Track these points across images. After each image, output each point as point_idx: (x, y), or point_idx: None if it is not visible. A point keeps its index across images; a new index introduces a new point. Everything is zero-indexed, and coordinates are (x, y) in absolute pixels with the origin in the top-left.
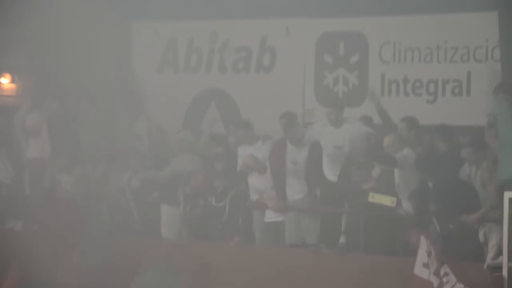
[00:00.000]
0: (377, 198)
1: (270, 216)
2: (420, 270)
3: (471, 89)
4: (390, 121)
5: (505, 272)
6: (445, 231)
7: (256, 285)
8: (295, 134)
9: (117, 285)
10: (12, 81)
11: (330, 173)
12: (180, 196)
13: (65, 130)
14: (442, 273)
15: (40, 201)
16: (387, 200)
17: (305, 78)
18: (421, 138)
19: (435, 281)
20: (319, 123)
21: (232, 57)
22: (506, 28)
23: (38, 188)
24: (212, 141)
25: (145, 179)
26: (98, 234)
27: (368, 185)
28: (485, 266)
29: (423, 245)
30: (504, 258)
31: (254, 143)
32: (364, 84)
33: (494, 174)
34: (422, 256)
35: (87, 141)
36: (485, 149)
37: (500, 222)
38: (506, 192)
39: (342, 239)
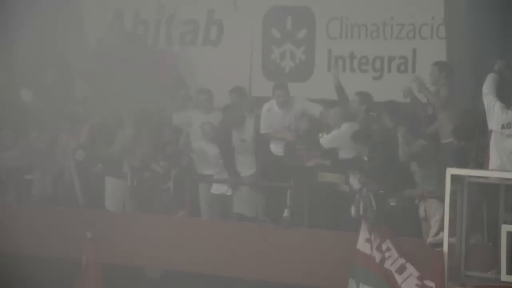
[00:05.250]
0: (326, 176)
1: (218, 188)
2: (363, 245)
3: (416, 66)
4: (345, 96)
5: (445, 248)
6: (386, 207)
7: (200, 258)
8: (239, 111)
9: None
10: None
11: (277, 148)
12: (126, 168)
13: (11, 100)
14: (384, 248)
15: None
16: (336, 178)
17: (252, 52)
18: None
19: (377, 256)
20: (265, 107)
21: (179, 30)
22: (451, 6)
23: None
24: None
25: (94, 153)
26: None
27: (314, 161)
28: (427, 242)
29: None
30: (445, 234)
31: (210, 112)
32: (311, 60)
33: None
34: (365, 231)
35: (35, 108)
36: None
37: (441, 198)
38: (448, 169)
39: (286, 213)
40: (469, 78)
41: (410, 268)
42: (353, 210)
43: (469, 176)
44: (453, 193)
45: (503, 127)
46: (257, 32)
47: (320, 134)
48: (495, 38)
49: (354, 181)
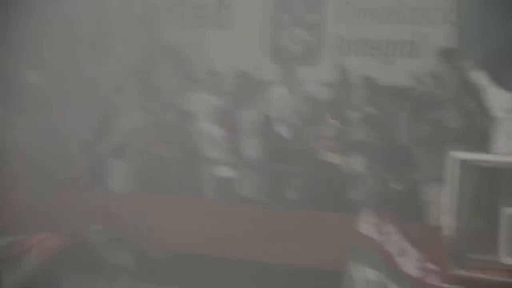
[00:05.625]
0: (328, 156)
1: (222, 170)
2: (365, 228)
3: (427, 51)
4: (347, 83)
5: (447, 231)
6: (389, 190)
7: (204, 240)
8: (248, 93)
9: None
10: None
11: (283, 129)
12: (130, 150)
13: (17, 81)
14: (386, 231)
15: None
16: (338, 159)
17: (262, 36)
18: (375, 98)
19: (379, 238)
20: (273, 92)
21: (189, 13)
22: None
23: None
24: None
25: (103, 150)
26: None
27: (321, 142)
28: (429, 225)
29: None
30: (446, 217)
31: (218, 95)
32: (321, 44)
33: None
34: (367, 214)
35: (41, 90)
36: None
37: (444, 182)
38: (451, 152)
39: (290, 195)
40: (479, 64)
41: (412, 251)
42: (354, 194)
43: (472, 160)
44: (455, 176)
45: (509, 111)
46: (267, 16)
47: (331, 120)
48: (508, 25)
49: (357, 164)
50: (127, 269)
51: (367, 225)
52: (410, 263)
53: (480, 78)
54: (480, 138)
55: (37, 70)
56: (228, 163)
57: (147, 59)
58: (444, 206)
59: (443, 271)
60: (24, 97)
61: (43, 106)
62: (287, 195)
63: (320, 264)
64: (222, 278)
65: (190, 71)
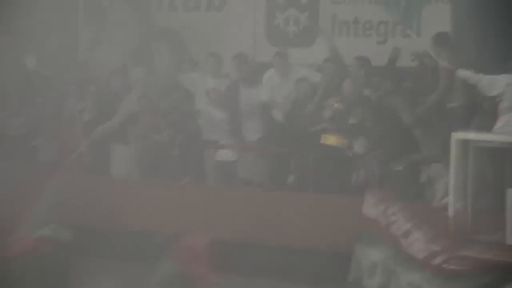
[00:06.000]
0: (329, 139)
1: (223, 154)
2: (368, 210)
3: (421, 31)
4: (340, 63)
5: (451, 212)
6: (391, 172)
7: (206, 224)
8: (247, 75)
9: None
10: None
11: (279, 114)
12: (131, 135)
13: (16, 66)
14: (390, 213)
15: None
16: (338, 141)
17: (256, 18)
18: (370, 79)
19: (383, 220)
20: (266, 76)
21: None
22: None
23: None
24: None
25: (100, 133)
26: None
27: (320, 126)
28: (433, 207)
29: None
30: (451, 198)
31: (217, 77)
32: (315, 25)
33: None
34: (370, 196)
35: (39, 74)
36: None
37: (447, 163)
38: (454, 133)
39: (291, 178)
40: (473, 44)
41: (416, 233)
42: (354, 177)
43: (474, 141)
44: (458, 157)
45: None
46: None
47: (333, 103)
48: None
49: (358, 146)
50: None
51: (371, 207)
52: (416, 244)
53: (468, 75)
54: (482, 118)
55: (35, 55)
56: (230, 146)
57: (144, 42)
58: (448, 187)
59: (448, 252)
60: (23, 82)
61: (42, 90)
62: (289, 178)
63: (324, 247)
64: (224, 262)
65: (187, 54)
